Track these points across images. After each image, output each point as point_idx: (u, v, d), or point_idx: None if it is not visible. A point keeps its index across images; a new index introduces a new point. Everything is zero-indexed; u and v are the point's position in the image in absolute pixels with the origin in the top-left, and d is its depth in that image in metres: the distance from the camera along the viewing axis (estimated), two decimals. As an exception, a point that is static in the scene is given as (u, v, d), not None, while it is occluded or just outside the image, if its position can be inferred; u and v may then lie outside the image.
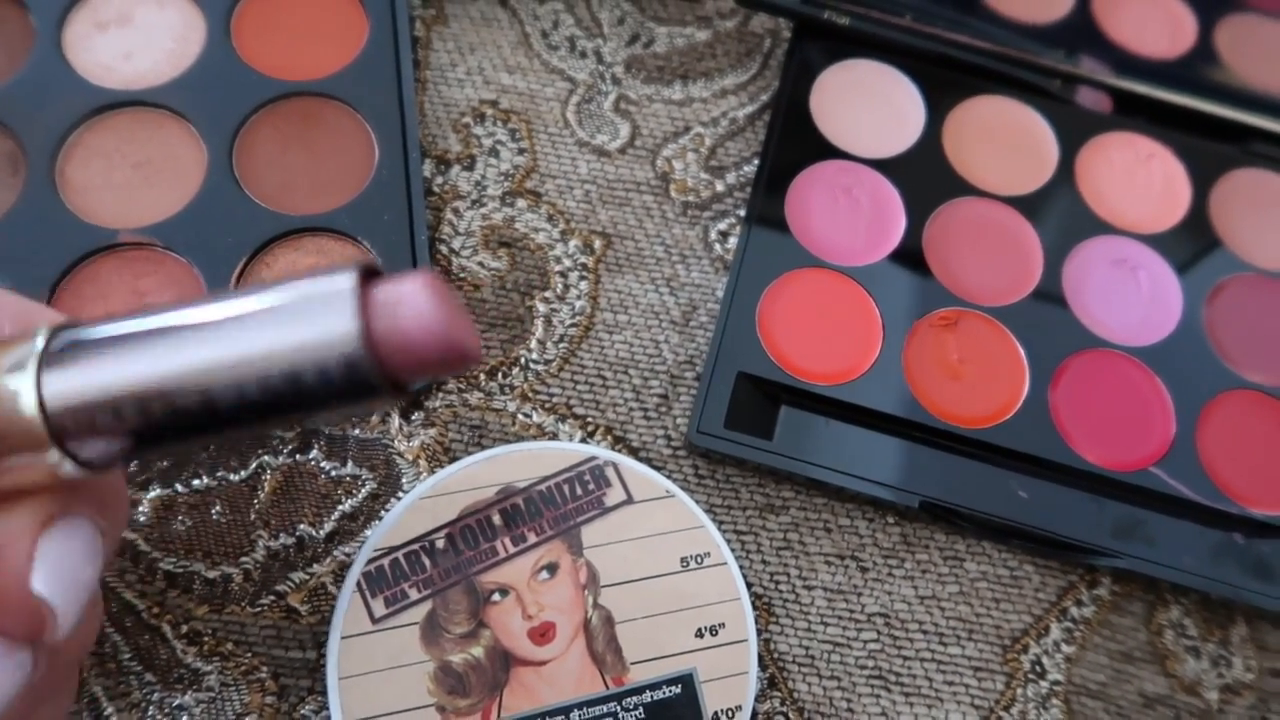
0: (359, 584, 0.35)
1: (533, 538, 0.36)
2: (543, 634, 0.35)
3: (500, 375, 0.42)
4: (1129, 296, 0.44)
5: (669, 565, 0.37)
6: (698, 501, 0.41)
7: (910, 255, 0.44)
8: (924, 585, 0.40)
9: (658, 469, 0.41)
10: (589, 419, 0.42)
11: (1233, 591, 0.40)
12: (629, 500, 0.38)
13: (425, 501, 0.36)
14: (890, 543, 0.41)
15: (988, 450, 0.41)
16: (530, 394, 0.42)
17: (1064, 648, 0.40)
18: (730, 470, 0.41)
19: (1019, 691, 0.39)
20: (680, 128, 0.48)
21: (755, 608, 0.39)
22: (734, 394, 0.40)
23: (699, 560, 0.37)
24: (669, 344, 0.43)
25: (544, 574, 0.36)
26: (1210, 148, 0.48)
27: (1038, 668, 0.39)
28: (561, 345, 0.43)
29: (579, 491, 0.38)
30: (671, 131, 0.48)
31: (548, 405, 0.42)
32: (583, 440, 0.41)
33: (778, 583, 0.40)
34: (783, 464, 0.40)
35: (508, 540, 0.36)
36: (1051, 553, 0.40)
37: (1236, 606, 0.41)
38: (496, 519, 0.37)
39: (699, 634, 0.36)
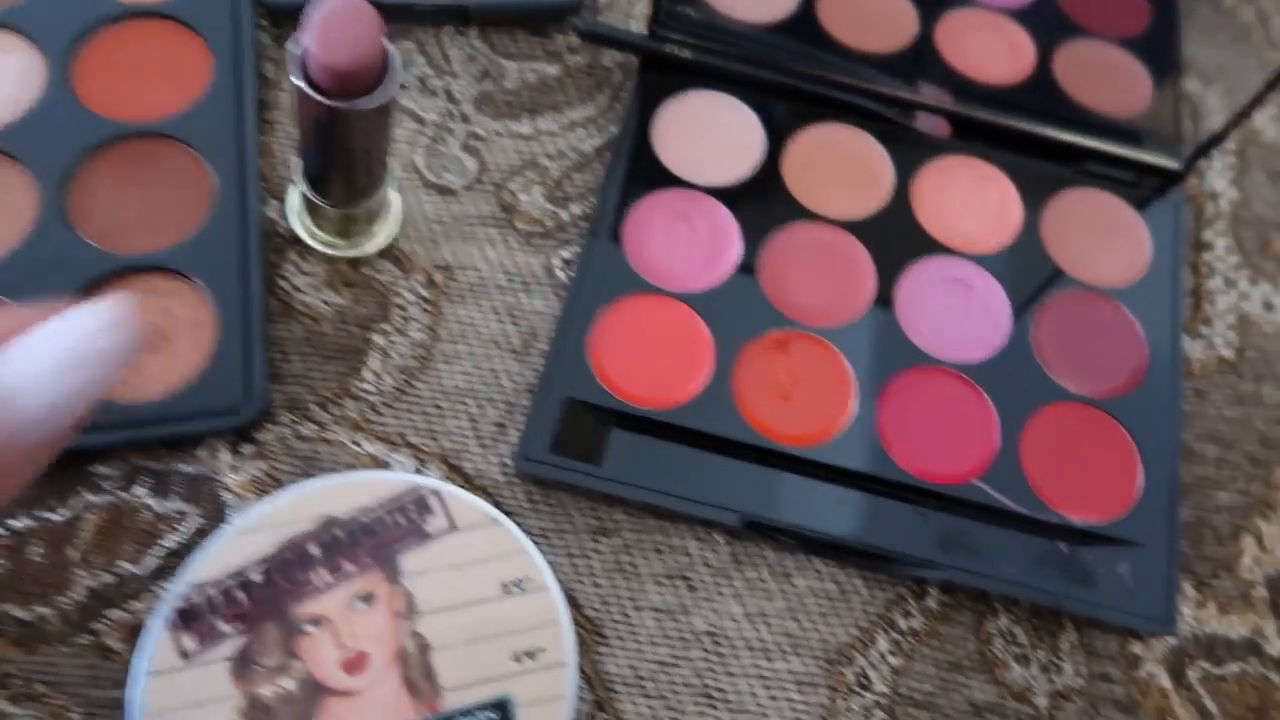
0: (169, 620, 0.35)
1: (351, 568, 0.37)
2: (355, 664, 0.35)
3: (333, 407, 0.42)
4: (960, 314, 0.46)
5: (489, 591, 0.37)
6: (530, 527, 0.41)
7: (745, 279, 0.45)
8: (752, 602, 0.41)
9: (491, 496, 0.42)
10: (423, 448, 0.42)
11: (1053, 600, 0.40)
12: (451, 528, 0.38)
13: (244, 535, 0.37)
14: (720, 562, 0.41)
15: (815, 468, 0.42)
16: (364, 424, 0.42)
17: (890, 659, 0.40)
18: (563, 495, 0.42)
19: (842, 704, 0.39)
20: (527, 160, 0.49)
21: (584, 631, 0.40)
22: (563, 420, 0.41)
23: (520, 586, 0.38)
24: (508, 372, 0.44)
25: (360, 604, 0.36)
26: (1044, 169, 0.50)
27: (863, 680, 0.40)
28: (399, 376, 0.43)
29: (401, 521, 0.38)
30: (518, 165, 0.49)
31: (381, 435, 0.42)
32: (417, 470, 0.42)
33: (609, 605, 0.40)
34: (610, 488, 0.40)
35: (326, 571, 0.37)
36: (879, 566, 0.41)
37: (1065, 613, 0.42)
38: (315, 550, 0.37)
39: (517, 659, 0.36)
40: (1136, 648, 0.42)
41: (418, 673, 0.36)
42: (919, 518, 0.41)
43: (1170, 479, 0.43)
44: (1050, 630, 0.42)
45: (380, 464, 0.41)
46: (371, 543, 0.37)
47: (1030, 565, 0.41)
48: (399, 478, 0.39)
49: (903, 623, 0.41)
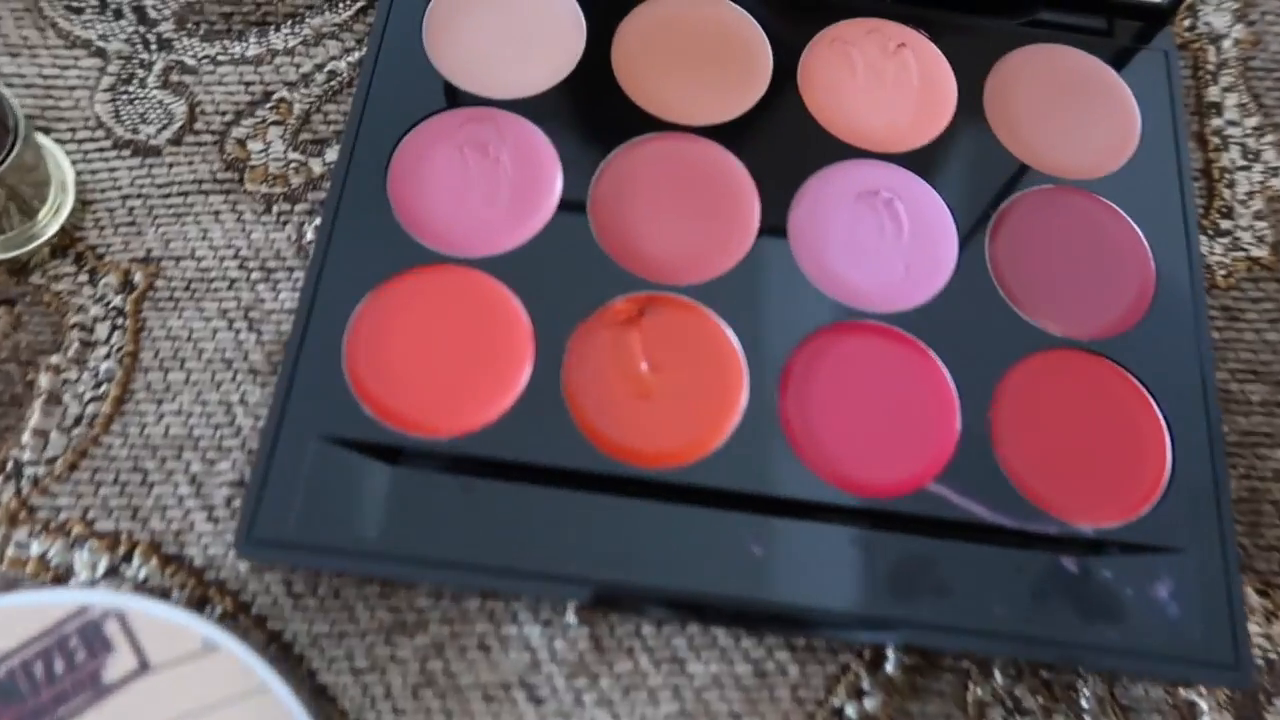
0: None
1: (-50, 771, 0.23)
2: None
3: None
4: (883, 242, 0.32)
5: (192, 772, 0.23)
6: (293, 636, 0.27)
7: (571, 228, 0.31)
8: (627, 710, 0.27)
9: (231, 596, 0.28)
10: (121, 536, 0.28)
11: (1063, 654, 0.27)
12: (143, 668, 0.25)
13: None
14: (574, 654, 0.28)
15: (696, 496, 0.28)
16: (24, 513, 0.28)
17: (840, 769, 0.27)
18: (342, 580, 0.28)
19: None
20: (258, 95, 0.34)
21: (368, 792, 0.26)
22: (312, 471, 0.27)
23: (246, 752, 0.24)
24: (247, 404, 0.30)
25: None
26: (981, 25, 0.36)
27: (802, 811, 0.27)
28: (79, 431, 0.29)
29: (60, 668, 0.24)
30: (246, 102, 0.34)
31: (53, 526, 0.28)
32: (109, 570, 0.28)
33: (408, 746, 0.27)
34: (392, 571, 0.26)
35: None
36: (809, 632, 0.28)
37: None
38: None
39: None
40: (1191, 692, 0.29)
41: None
42: (857, 552, 0.28)
43: (1208, 443, 0.30)
44: (1066, 684, 0.29)
45: (53, 571, 0.27)
46: (14, 713, 0.23)
47: (1027, 601, 0.28)
48: (53, 599, 0.25)
49: (854, 708, 0.28)
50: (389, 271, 0.30)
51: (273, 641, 0.28)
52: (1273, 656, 0.30)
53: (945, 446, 0.29)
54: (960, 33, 0.36)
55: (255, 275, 0.32)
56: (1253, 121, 0.37)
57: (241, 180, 0.33)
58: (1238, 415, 0.32)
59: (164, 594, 0.28)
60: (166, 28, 0.35)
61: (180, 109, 0.34)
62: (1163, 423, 0.30)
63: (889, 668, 0.29)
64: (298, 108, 0.34)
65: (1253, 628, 0.30)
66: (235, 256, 0.32)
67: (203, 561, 0.29)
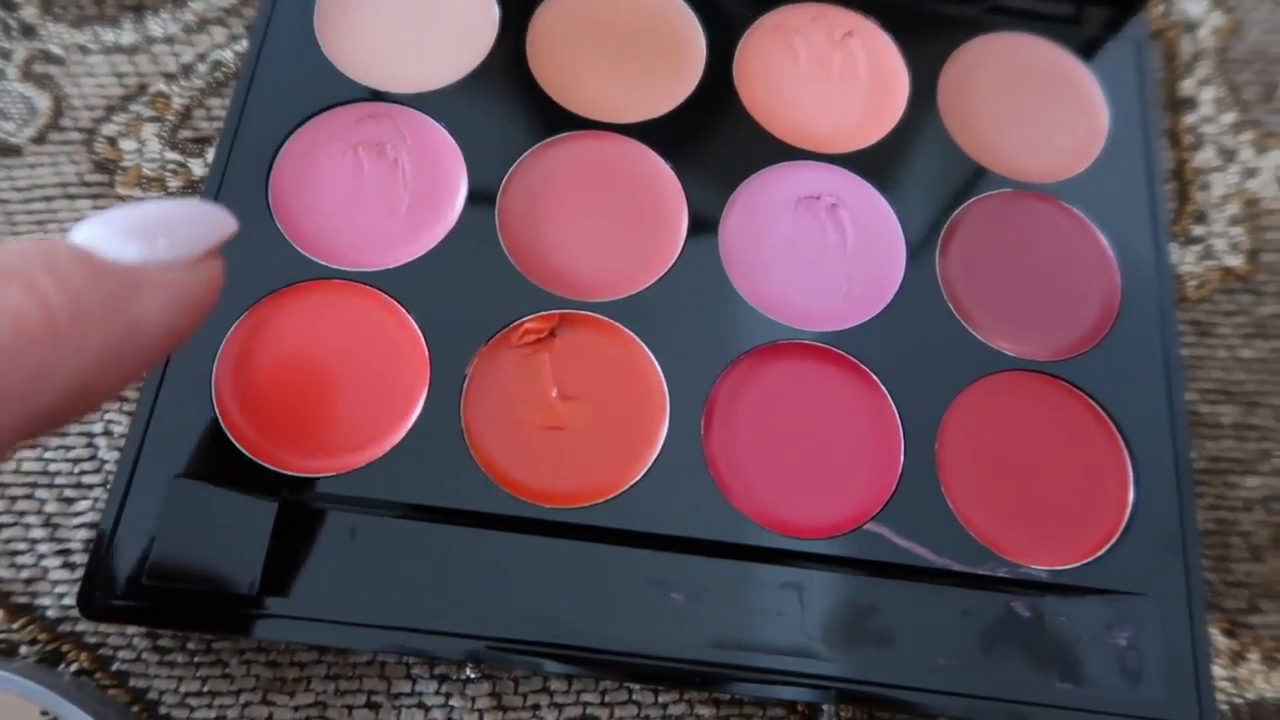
0: None
1: None
2: None
3: None
4: (826, 253, 0.29)
5: None
6: (161, 693, 0.25)
7: (475, 238, 0.28)
8: (525, 783, 0.25)
9: (88, 649, 0.25)
10: None
11: (1010, 713, 0.25)
12: None
13: None
14: (473, 712, 0.25)
15: (610, 539, 0.25)
16: None
17: (765, 844, 0.25)
18: (213, 636, 0.25)
19: None
20: (131, 87, 0.31)
21: None
22: (170, 514, 0.24)
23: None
24: (111, 434, 0.27)
25: None
26: (936, 10, 0.33)
27: None
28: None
29: None
30: (119, 95, 0.31)
31: None
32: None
33: (281, 826, 0.24)
34: (263, 630, 0.23)
35: None
36: (735, 687, 0.25)
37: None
38: None
39: None
40: (1151, 746, 0.26)
41: None
42: (789, 599, 0.25)
43: (1174, 475, 0.27)
44: (1016, 737, 0.26)
45: None
46: None
47: (976, 652, 0.25)
48: None
49: (780, 775, 0.25)
50: (268, 288, 0.27)
51: (136, 701, 0.25)
52: (1238, 700, 0.28)
53: (886, 482, 0.26)
54: (914, 19, 0.33)
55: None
56: (1230, 117, 0.34)
57: (112, 184, 0.30)
58: (1207, 440, 0.30)
59: (11, 650, 0.25)
60: (30, 12, 0.32)
61: (44, 103, 0.30)
62: (1126, 453, 0.27)
63: (823, 724, 0.26)
64: (177, 102, 0.31)
65: (1217, 670, 0.27)
66: (108, 268, 0.29)
67: (57, 612, 0.26)
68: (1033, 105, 0.32)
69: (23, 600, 0.25)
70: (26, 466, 0.27)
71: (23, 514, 0.26)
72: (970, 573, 0.26)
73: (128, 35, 0.31)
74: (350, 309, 0.27)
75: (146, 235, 0.17)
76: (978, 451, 0.27)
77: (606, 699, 0.25)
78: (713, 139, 0.30)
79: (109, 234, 0.16)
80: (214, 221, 0.18)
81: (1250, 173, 0.33)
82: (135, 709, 0.25)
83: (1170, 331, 0.29)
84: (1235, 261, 0.32)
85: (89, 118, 0.30)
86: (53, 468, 0.27)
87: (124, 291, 0.16)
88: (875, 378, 0.27)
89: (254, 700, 0.25)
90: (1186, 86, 0.34)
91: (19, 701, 0.22)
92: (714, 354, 0.27)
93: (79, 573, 0.26)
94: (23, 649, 0.25)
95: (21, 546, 0.26)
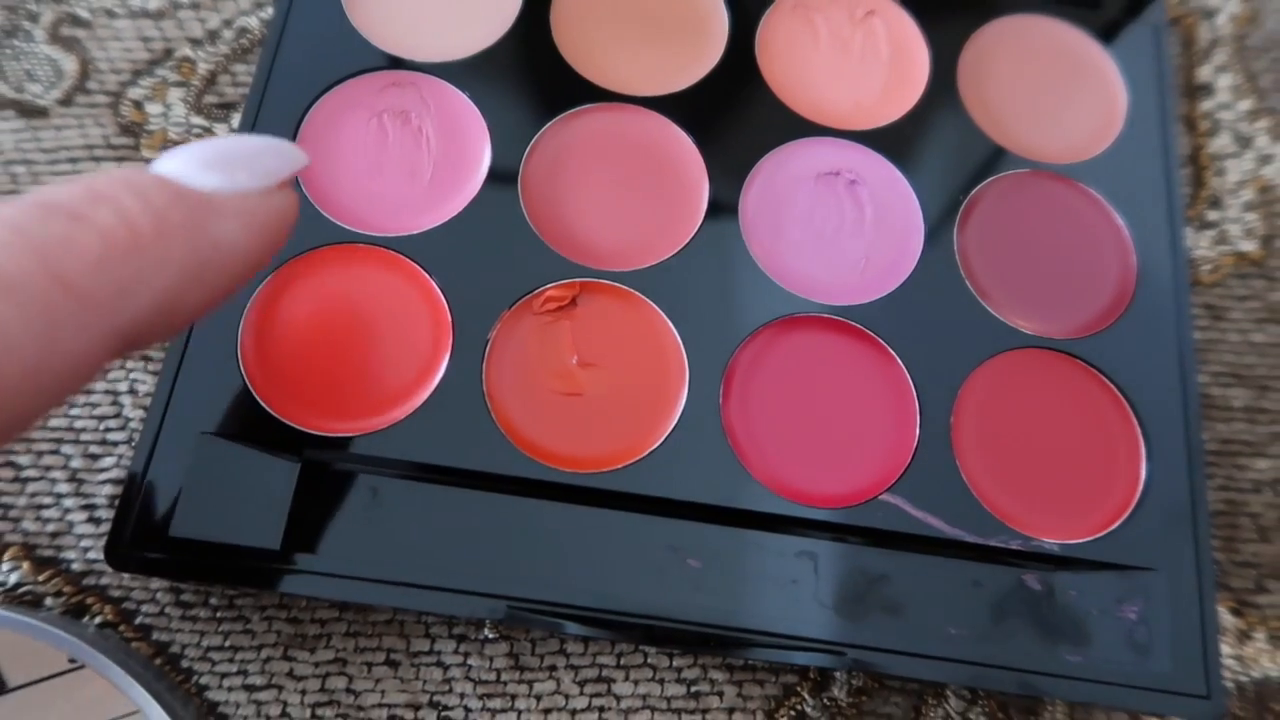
0: None
1: None
2: None
3: None
4: (844, 229, 0.29)
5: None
6: (181, 648, 0.25)
7: (498, 207, 0.28)
8: (541, 741, 0.25)
9: (113, 602, 0.25)
10: None
11: (1021, 683, 0.25)
12: (0, 690, 0.22)
13: None
14: (491, 672, 0.25)
15: (627, 503, 0.25)
16: None
17: (776, 805, 0.25)
18: (235, 591, 0.25)
19: None
20: (158, 53, 0.31)
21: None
22: (197, 468, 0.24)
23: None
24: (136, 393, 0.27)
25: None
26: (958, -6, 0.33)
27: None
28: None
29: None
30: (145, 59, 0.31)
31: (-104, 532, 0.25)
32: (-32, 582, 0.25)
33: (302, 777, 0.24)
34: (285, 585, 0.24)
35: None
36: (749, 652, 0.25)
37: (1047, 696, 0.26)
38: None
39: None
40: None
41: None
42: (803, 567, 0.25)
43: (1185, 454, 0.28)
44: (1025, 708, 0.27)
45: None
46: None
47: (987, 623, 0.25)
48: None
49: (791, 739, 0.25)
50: (293, 251, 0.27)
51: (159, 654, 0.25)
52: (1244, 679, 0.28)
53: (902, 454, 0.26)
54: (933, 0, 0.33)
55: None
56: (1246, 104, 0.34)
57: (138, 146, 0.30)
58: (1218, 422, 0.30)
59: (36, 602, 0.25)
60: (62, -25, 0.32)
61: (71, 66, 0.31)
62: (1138, 431, 0.28)
63: (836, 690, 0.26)
64: (203, 67, 0.31)
65: (1224, 648, 0.28)
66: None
67: (81, 566, 0.26)
68: (1052, 87, 0.32)
69: (48, 554, 0.26)
70: (53, 423, 0.27)
71: (49, 469, 0.26)
72: (983, 544, 0.26)
73: (154, 0, 0.32)
74: (375, 273, 0.27)
75: (226, 167, 0.18)
76: (992, 426, 0.27)
77: (622, 661, 0.26)
78: (734, 114, 0.30)
79: (191, 165, 0.17)
80: (288, 155, 0.19)
81: (1265, 159, 0.33)
82: (158, 661, 0.25)
83: (1184, 313, 0.29)
84: (1249, 247, 0.32)
85: (115, 81, 0.31)
86: (79, 424, 0.27)
87: (204, 214, 0.17)
88: (892, 352, 0.28)
89: (275, 655, 0.26)
90: (1204, 73, 0.34)
91: (46, 648, 0.23)
92: (733, 325, 0.27)
93: (104, 527, 0.26)
94: (48, 600, 0.25)
95: (47, 501, 0.26)
